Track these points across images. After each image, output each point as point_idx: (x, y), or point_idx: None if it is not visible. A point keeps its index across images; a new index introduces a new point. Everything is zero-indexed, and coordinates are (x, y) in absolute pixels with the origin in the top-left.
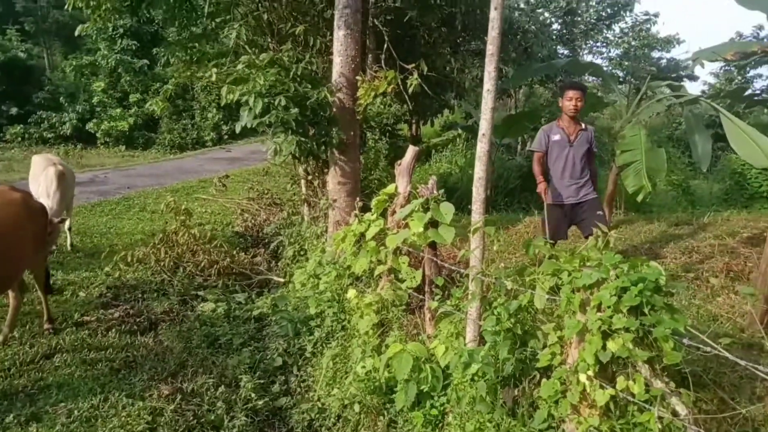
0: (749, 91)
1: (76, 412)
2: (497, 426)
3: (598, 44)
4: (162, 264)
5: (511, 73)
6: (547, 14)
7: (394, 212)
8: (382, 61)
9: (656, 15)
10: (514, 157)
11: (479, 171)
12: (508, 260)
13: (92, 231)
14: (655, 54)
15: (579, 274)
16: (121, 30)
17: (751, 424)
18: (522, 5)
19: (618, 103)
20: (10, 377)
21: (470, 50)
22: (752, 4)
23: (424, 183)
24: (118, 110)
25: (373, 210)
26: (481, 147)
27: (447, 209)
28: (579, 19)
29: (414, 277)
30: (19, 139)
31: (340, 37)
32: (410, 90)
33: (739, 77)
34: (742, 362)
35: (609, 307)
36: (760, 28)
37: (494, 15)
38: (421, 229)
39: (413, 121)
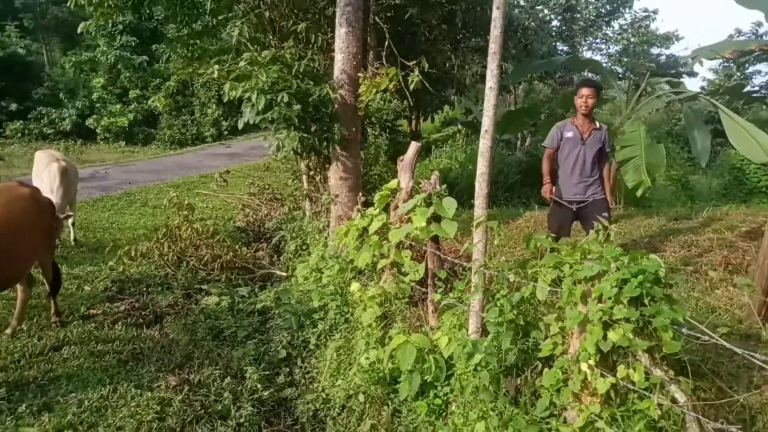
0: (748, 88)
1: (86, 402)
2: (500, 414)
3: (598, 41)
4: (165, 258)
5: (511, 70)
6: (546, 11)
7: (396, 207)
8: (383, 58)
9: (655, 12)
10: (514, 152)
11: (482, 167)
12: (509, 254)
13: (95, 226)
14: (655, 50)
15: (580, 267)
16: (120, 26)
17: (748, 411)
18: (522, 2)
19: (617, 99)
20: (20, 369)
21: (470, 47)
22: (751, 4)
23: (425, 178)
24: (118, 106)
25: (375, 205)
26: (484, 143)
27: (450, 204)
28: (578, 15)
29: (417, 270)
30: (19, 135)
31: (341, 34)
32: (411, 87)
33: (738, 74)
34: (739, 351)
35: (610, 298)
36: (759, 24)
37: (497, 14)
38: (424, 224)
39: (413, 117)
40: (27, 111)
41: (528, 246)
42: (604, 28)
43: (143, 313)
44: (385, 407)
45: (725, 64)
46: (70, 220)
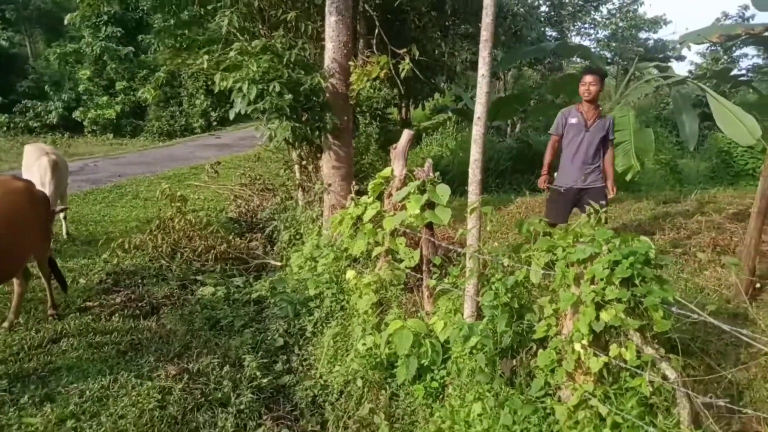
0: (735, 71)
1: (87, 392)
2: (496, 395)
3: (586, 26)
4: (159, 250)
5: (501, 56)
6: None
7: (390, 195)
8: (374, 46)
9: None
10: (504, 139)
11: (475, 153)
12: (501, 240)
13: (86, 219)
14: (643, 35)
15: (573, 250)
16: (105, 17)
17: (736, 387)
18: None
19: (606, 85)
20: (20, 361)
21: (460, 34)
22: None
23: (417, 166)
24: (105, 98)
25: (369, 193)
26: (477, 130)
27: (443, 191)
28: (567, 1)
29: (412, 256)
30: (5, 128)
31: (331, 23)
32: (402, 75)
33: (725, 57)
34: (727, 328)
35: (602, 279)
36: (746, 8)
37: (488, 2)
38: (418, 211)
39: (403, 104)
40: (12, 104)
41: (521, 231)
42: (592, 12)
43: (140, 304)
44: (383, 391)
45: (712, 48)
46: (62, 214)
